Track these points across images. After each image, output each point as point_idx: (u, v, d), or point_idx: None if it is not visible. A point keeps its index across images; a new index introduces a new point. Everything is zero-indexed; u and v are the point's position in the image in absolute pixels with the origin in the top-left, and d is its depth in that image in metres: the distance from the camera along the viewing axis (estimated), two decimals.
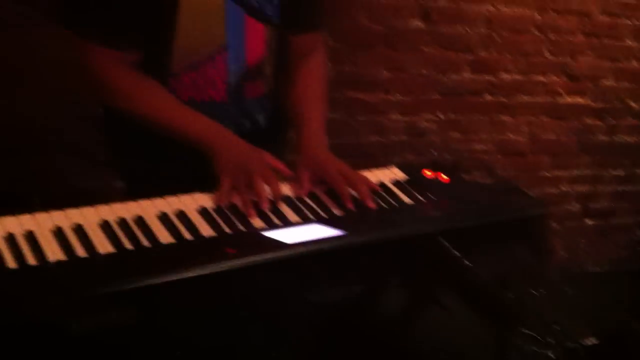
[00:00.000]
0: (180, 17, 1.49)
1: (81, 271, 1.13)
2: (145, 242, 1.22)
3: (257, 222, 1.35)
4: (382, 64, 2.94)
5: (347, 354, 1.36)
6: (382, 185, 1.57)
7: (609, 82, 3.49)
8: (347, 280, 1.36)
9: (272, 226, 1.34)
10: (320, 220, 1.39)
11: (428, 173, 1.64)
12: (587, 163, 3.65)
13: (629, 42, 3.43)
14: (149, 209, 1.32)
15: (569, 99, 3.44)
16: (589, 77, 3.43)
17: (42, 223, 1.21)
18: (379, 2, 2.79)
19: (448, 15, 2.94)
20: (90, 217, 1.25)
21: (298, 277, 1.25)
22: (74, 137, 2.51)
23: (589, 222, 3.82)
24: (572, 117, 3.49)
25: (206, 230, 1.29)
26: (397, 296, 1.50)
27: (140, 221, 1.27)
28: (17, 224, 1.19)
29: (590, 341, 1.83)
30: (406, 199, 1.53)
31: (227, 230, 1.31)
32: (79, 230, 1.21)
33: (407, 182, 1.60)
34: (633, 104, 3.60)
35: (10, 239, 1.15)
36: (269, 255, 1.21)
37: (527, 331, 1.47)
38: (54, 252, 1.15)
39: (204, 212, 1.35)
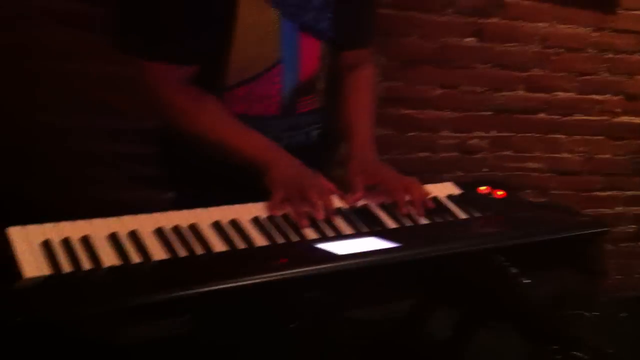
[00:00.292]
0: (237, 32, 1.49)
1: (135, 277, 1.13)
2: (198, 250, 1.22)
3: (309, 233, 1.34)
4: (434, 81, 2.92)
5: None
6: (437, 200, 1.55)
7: None
8: (397, 295, 1.35)
9: (325, 238, 1.33)
10: (374, 233, 1.37)
11: (483, 189, 1.62)
12: None
13: None
14: (203, 217, 1.32)
15: (625, 119, 3.37)
16: None
17: (97, 228, 1.22)
18: (432, 20, 2.78)
19: (502, 33, 2.91)
20: (145, 223, 1.26)
21: (348, 290, 1.24)
22: (123, 150, 2.54)
23: None
24: (628, 136, 3.41)
25: (259, 240, 1.29)
26: (448, 313, 1.48)
27: (194, 229, 1.27)
28: (73, 229, 1.20)
29: None
30: (461, 214, 1.51)
31: (279, 240, 1.30)
32: (134, 236, 1.22)
33: (462, 197, 1.58)
34: None
35: (66, 244, 1.16)
36: (321, 267, 1.20)
37: (576, 353, 1.43)
38: (108, 257, 1.15)
39: (257, 222, 1.34)
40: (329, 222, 1.38)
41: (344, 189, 1.51)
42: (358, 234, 1.37)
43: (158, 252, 1.19)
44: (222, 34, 1.49)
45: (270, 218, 1.36)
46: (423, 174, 1.59)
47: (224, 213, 1.35)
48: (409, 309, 1.42)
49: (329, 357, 1.31)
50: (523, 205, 1.63)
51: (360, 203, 1.49)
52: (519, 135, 3.20)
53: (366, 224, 1.41)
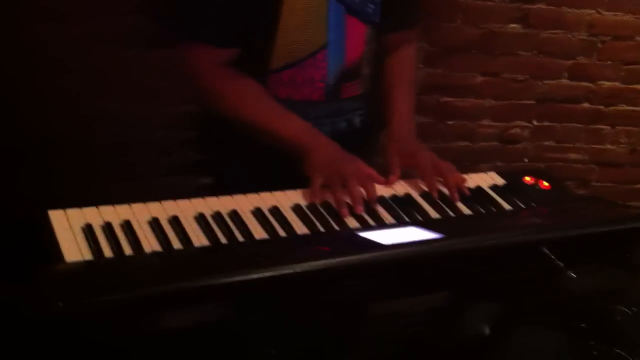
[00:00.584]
0: (284, 15, 1.48)
1: (176, 263, 1.12)
2: (239, 237, 1.21)
3: (350, 222, 1.32)
4: (476, 68, 2.88)
5: None
6: (480, 189, 1.52)
7: None
8: (439, 287, 1.32)
9: (366, 227, 1.31)
10: (416, 223, 1.35)
11: (528, 179, 1.58)
12: None
13: None
14: (244, 204, 1.30)
15: None
16: None
17: (139, 213, 1.21)
18: (476, 5, 2.73)
19: (548, 19, 2.85)
20: (186, 209, 1.25)
21: (390, 281, 1.22)
22: (160, 135, 2.54)
23: None
24: None
25: (300, 228, 1.27)
26: (490, 306, 1.45)
27: (235, 215, 1.26)
28: (114, 213, 1.20)
29: None
30: (505, 205, 1.48)
31: (320, 228, 1.28)
32: (175, 221, 1.21)
33: (506, 187, 1.55)
34: None
35: (107, 228, 1.16)
36: (363, 256, 1.18)
37: (617, 350, 1.39)
38: (150, 243, 1.15)
39: (297, 209, 1.32)
40: (371, 209, 1.36)
41: (384, 174, 1.49)
42: (400, 223, 1.34)
43: (199, 238, 1.18)
44: (268, 17, 1.48)
45: (311, 205, 1.34)
46: (461, 164, 1.56)
47: (265, 200, 1.33)
48: (450, 301, 1.40)
49: (367, 348, 1.29)
50: (569, 197, 1.60)
51: (402, 191, 1.46)
52: (561, 125, 3.15)
53: (408, 213, 1.38)
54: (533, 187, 1.56)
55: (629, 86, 3.15)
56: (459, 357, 1.31)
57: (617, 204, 1.63)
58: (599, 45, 2.98)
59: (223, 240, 1.19)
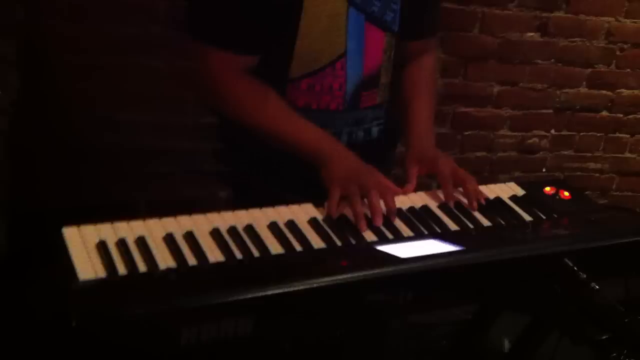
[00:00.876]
0: (303, 23, 1.46)
1: (191, 280, 1.10)
2: (255, 252, 1.19)
3: (368, 235, 1.29)
4: (494, 77, 2.85)
5: None
6: (499, 200, 1.50)
7: None
8: (460, 300, 1.30)
9: (385, 240, 1.29)
10: (435, 235, 1.32)
11: (548, 189, 1.55)
12: None
13: None
14: (260, 218, 1.28)
15: None
16: None
17: (153, 229, 1.19)
18: (494, 14, 2.70)
19: (566, 27, 2.82)
20: (200, 224, 1.23)
21: (410, 294, 1.19)
22: (179, 146, 2.54)
23: None
24: None
25: (316, 242, 1.25)
26: (513, 319, 1.43)
27: (250, 230, 1.24)
28: (128, 230, 1.18)
29: None
30: (525, 216, 1.45)
31: (337, 242, 1.26)
32: (190, 237, 1.19)
33: (526, 198, 1.52)
34: None
35: (122, 244, 1.14)
36: (381, 270, 1.16)
37: None
38: (164, 259, 1.13)
39: (314, 222, 1.30)
40: (388, 222, 1.34)
41: (402, 183, 1.49)
42: (419, 236, 1.32)
43: (214, 254, 1.16)
44: (288, 25, 1.46)
45: (328, 218, 1.32)
46: (480, 175, 1.53)
47: (280, 213, 1.32)
48: (472, 315, 1.37)
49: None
50: (591, 207, 1.57)
51: (420, 202, 1.44)
52: (581, 134, 3.11)
53: (426, 225, 1.36)
54: (553, 198, 1.53)
55: None
56: None
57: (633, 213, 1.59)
58: (618, 53, 2.94)
59: (238, 255, 1.17)
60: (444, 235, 1.33)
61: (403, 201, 1.44)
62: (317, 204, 1.36)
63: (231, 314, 1.03)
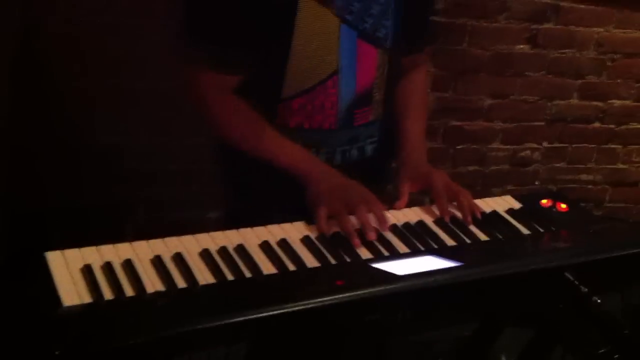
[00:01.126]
0: (295, 41, 1.44)
1: (181, 303, 1.06)
2: (247, 273, 1.15)
3: (363, 253, 1.26)
4: (485, 90, 2.83)
5: None
6: (496, 214, 1.47)
7: None
8: (459, 318, 1.26)
9: (380, 257, 1.25)
10: (432, 251, 1.29)
11: (544, 202, 1.52)
12: None
13: None
14: (251, 237, 1.25)
15: None
16: None
17: (140, 252, 1.15)
18: (484, 27, 2.68)
19: (556, 39, 2.81)
20: (189, 245, 1.19)
21: (409, 313, 1.15)
22: (168, 166, 2.50)
23: None
24: None
25: (310, 261, 1.21)
26: (513, 336, 1.40)
27: (241, 250, 1.20)
28: (114, 253, 1.14)
29: None
30: (523, 229, 1.42)
31: (332, 261, 1.22)
32: (179, 259, 1.15)
33: (523, 211, 1.50)
34: None
35: (108, 268, 1.10)
36: (378, 289, 1.12)
37: None
38: (152, 282, 1.09)
39: (307, 241, 1.27)
40: (384, 239, 1.30)
41: (395, 201, 1.47)
42: (415, 252, 1.28)
43: (204, 276, 1.13)
44: (279, 44, 1.44)
45: (321, 236, 1.28)
46: (472, 189, 1.51)
47: (272, 232, 1.28)
48: (472, 332, 1.34)
49: None
50: (589, 219, 1.54)
51: (415, 218, 1.41)
52: (573, 145, 3.10)
53: (422, 241, 1.33)
54: (550, 210, 1.51)
55: None
56: None
57: (632, 224, 1.57)
58: (609, 63, 2.93)
59: (230, 277, 1.13)
60: (442, 251, 1.30)
61: (398, 217, 1.40)
62: (310, 222, 1.33)
63: (223, 338, 0.99)
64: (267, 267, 1.17)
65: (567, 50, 2.85)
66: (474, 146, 2.95)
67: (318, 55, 1.47)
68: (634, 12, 2.84)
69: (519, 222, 1.44)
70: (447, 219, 1.41)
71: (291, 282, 1.15)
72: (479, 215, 1.43)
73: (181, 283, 1.10)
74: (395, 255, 1.26)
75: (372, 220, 1.31)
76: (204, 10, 1.42)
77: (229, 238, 1.23)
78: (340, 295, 1.06)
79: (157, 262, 1.13)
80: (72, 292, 1.03)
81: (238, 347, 0.98)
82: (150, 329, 0.94)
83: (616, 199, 3.30)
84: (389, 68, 1.60)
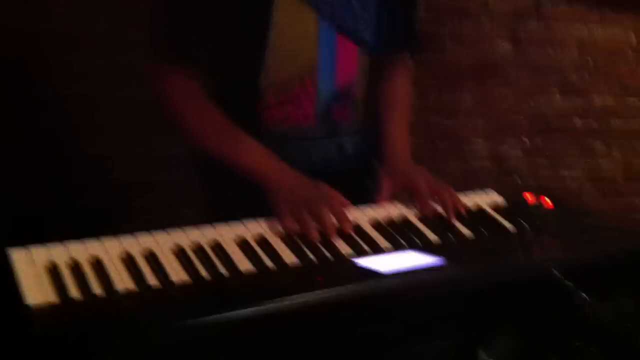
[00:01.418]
0: (273, 37, 1.40)
1: (153, 303, 1.01)
2: (223, 271, 1.09)
3: (345, 250, 1.21)
4: (466, 87, 2.80)
5: None
6: (481, 210, 1.43)
7: None
8: (443, 319, 1.22)
9: (362, 254, 1.20)
10: (415, 248, 1.24)
11: (530, 198, 1.48)
12: None
13: None
14: (227, 234, 1.19)
15: None
16: None
17: (110, 249, 1.10)
18: (465, 25, 2.65)
19: (538, 37, 2.78)
20: (163, 242, 1.14)
21: (391, 312, 1.11)
22: (158, 177, 2.45)
23: None
24: None
25: (289, 258, 1.16)
26: (501, 341, 1.36)
27: (217, 247, 1.15)
28: (82, 250, 1.08)
29: None
30: (509, 226, 1.38)
31: (312, 258, 1.17)
32: (151, 256, 1.09)
33: (508, 207, 1.46)
34: None
35: (75, 266, 1.04)
36: (361, 286, 1.08)
37: None
38: (122, 281, 1.03)
39: (287, 238, 1.22)
40: (366, 236, 1.26)
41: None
42: (398, 249, 1.24)
43: (178, 274, 1.07)
44: (255, 38, 1.41)
45: (301, 234, 1.23)
46: (453, 186, 1.47)
47: (250, 229, 1.23)
48: (456, 334, 1.30)
49: None
50: (576, 215, 1.50)
51: (399, 214, 1.37)
52: (554, 142, 3.08)
53: (406, 238, 1.28)
54: (536, 207, 1.47)
55: (621, 102, 3.09)
56: None
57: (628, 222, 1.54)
58: (590, 61, 2.91)
59: (205, 275, 1.08)
60: (426, 248, 1.25)
61: (380, 213, 1.36)
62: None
63: (198, 340, 0.93)
64: (245, 265, 1.12)
65: (548, 49, 2.82)
66: (455, 143, 2.92)
67: (296, 51, 1.44)
68: (615, 11, 2.83)
69: (504, 218, 1.41)
70: (429, 216, 1.38)
71: (270, 280, 1.10)
72: (463, 212, 1.40)
73: (153, 281, 1.04)
74: (377, 251, 1.22)
75: (334, 221, 1.26)
76: (172, 5, 1.39)
77: (204, 234, 1.18)
78: (320, 293, 1.02)
79: (128, 260, 1.08)
80: (37, 290, 0.97)
81: (214, 348, 0.93)
82: (120, 329, 0.89)
83: (597, 197, 3.30)
84: (371, 66, 1.55)
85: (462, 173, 2.98)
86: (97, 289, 1.00)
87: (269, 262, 1.14)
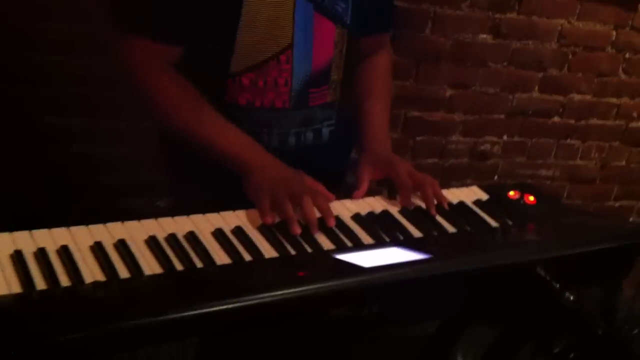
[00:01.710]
0: (245, 11, 1.33)
1: (123, 295, 0.96)
2: (198, 263, 1.05)
3: (325, 243, 1.17)
4: (445, 80, 2.76)
5: None
6: (463, 205, 1.40)
7: None
8: (427, 313, 1.19)
9: (343, 248, 1.16)
10: (398, 243, 1.21)
11: (512, 193, 1.46)
12: None
13: None
14: (203, 224, 1.15)
15: None
16: None
17: (79, 238, 1.04)
18: (446, 14, 2.61)
19: (518, 29, 2.75)
20: (134, 232, 1.09)
21: (372, 308, 1.07)
22: (116, 154, 2.39)
23: None
24: None
25: (268, 251, 1.12)
26: (483, 332, 1.34)
27: (192, 238, 1.10)
28: (49, 238, 1.03)
29: None
30: (491, 221, 1.35)
31: (291, 251, 1.13)
32: (122, 246, 1.04)
33: (490, 202, 1.43)
34: None
35: (41, 255, 0.99)
36: (342, 281, 1.04)
37: None
38: (91, 272, 0.98)
39: (265, 229, 1.17)
40: (347, 229, 1.22)
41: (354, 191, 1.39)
42: (380, 243, 1.20)
43: (150, 265, 1.02)
44: (227, 13, 1.33)
45: (281, 225, 1.19)
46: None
47: (226, 219, 1.19)
48: (441, 328, 1.27)
49: None
50: (558, 210, 1.48)
51: (380, 207, 1.33)
52: (533, 140, 3.05)
53: (388, 232, 1.24)
54: (518, 202, 1.45)
55: (600, 99, 3.07)
56: None
57: (613, 217, 1.53)
58: (570, 56, 2.89)
59: (179, 267, 1.03)
60: (408, 242, 1.22)
61: (361, 206, 1.32)
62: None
63: (171, 335, 0.89)
64: (220, 257, 1.08)
65: (529, 41, 2.79)
66: (434, 138, 2.88)
67: (270, 27, 1.37)
68: (597, 4, 2.80)
69: (487, 213, 1.38)
70: (410, 208, 1.34)
71: (246, 273, 1.06)
72: (445, 206, 1.36)
73: (124, 273, 0.99)
74: (359, 246, 1.18)
75: (315, 213, 1.22)
76: None
77: (179, 224, 1.13)
78: (300, 288, 0.98)
79: (97, 249, 1.02)
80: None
81: (187, 346, 0.89)
82: (87, 322, 0.84)
83: (573, 196, 3.29)
84: (348, 46, 1.50)
85: (439, 169, 2.95)
86: (63, 279, 0.95)
87: (246, 255, 1.09)
